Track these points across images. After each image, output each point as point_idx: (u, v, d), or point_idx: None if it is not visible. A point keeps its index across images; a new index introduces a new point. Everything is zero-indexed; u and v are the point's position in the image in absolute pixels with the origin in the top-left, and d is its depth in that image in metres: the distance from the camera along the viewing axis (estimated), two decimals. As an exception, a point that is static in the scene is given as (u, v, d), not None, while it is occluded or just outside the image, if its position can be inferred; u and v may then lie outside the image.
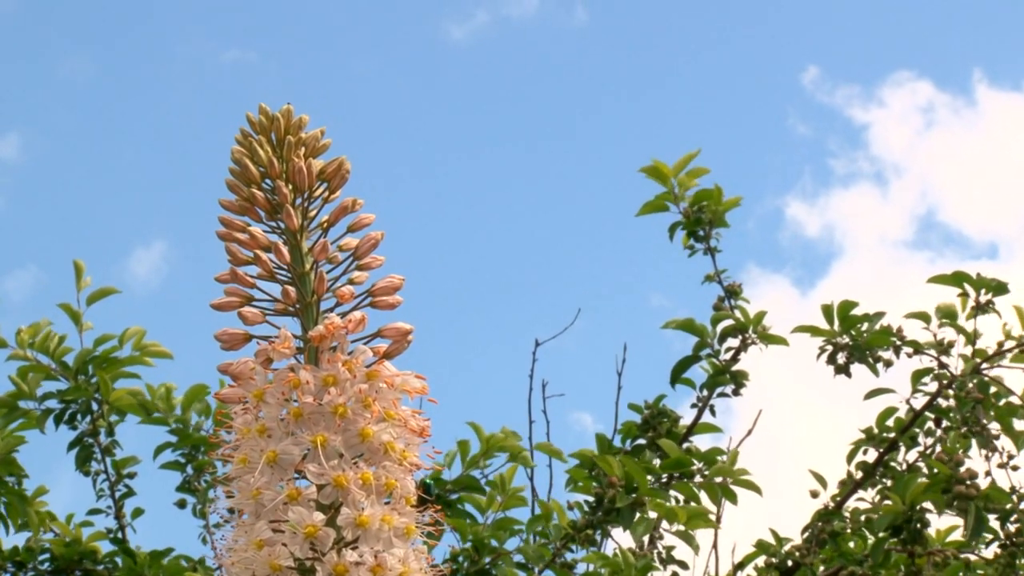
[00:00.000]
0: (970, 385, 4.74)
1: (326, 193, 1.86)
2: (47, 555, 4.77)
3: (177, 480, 4.94)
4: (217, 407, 1.95)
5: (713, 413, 4.95)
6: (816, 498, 4.86)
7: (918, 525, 4.56)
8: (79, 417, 4.78)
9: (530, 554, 4.47)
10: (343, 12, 10.14)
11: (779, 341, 4.95)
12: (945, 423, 4.84)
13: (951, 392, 4.79)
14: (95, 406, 4.77)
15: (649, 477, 4.39)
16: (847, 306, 4.89)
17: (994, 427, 4.77)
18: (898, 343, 4.88)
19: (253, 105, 1.85)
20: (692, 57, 10.09)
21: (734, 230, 5.09)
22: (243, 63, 9.80)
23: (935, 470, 4.64)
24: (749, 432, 4.94)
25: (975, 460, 4.70)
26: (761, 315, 4.94)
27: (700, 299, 5.12)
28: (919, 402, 4.85)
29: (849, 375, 4.93)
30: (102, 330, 4.78)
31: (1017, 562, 4.54)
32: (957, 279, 4.81)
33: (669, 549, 4.68)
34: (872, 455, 4.88)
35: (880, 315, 4.91)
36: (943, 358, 4.83)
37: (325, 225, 1.85)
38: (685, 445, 4.78)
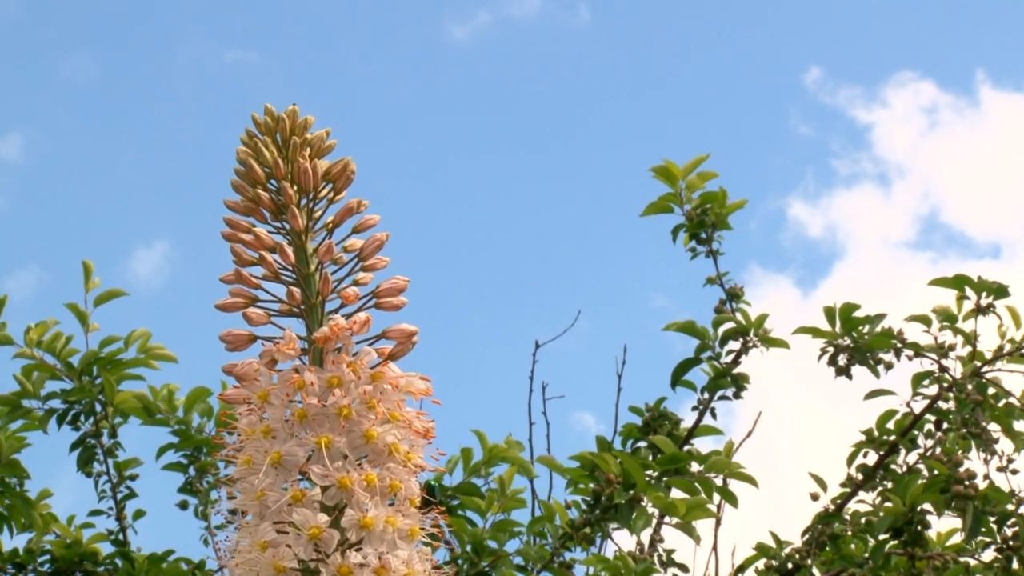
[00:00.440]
0: (970, 387, 4.74)
1: (331, 194, 1.86)
2: (47, 557, 4.76)
3: (179, 482, 4.94)
4: (221, 408, 1.95)
5: (714, 416, 4.96)
6: (816, 501, 4.87)
7: (919, 527, 4.56)
8: (82, 418, 4.78)
9: (531, 555, 4.47)
10: (345, 12, 10.14)
11: (780, 344, 4.95)
12: (945, 425, 4.84)
13: (951, 395, 4.79)
14: (98, 407, 4.77)
15: (648, 474, 4.38)
16: (849, 308, 4.89)
17: (994, 429, 4.77)
18: (899, 345, 4.88)
19: (255, 106, 1.85)
20: (694, 57, 10.10)
21: (736, 231, 5.10)
22: (245, 63, 9.80)
23: (935, 471, 4.64)
24: (749, 434, 4.94)
25: (974, 463, 4.71)
26: (762, 318, 4.94)
27: (702, 301, 5.12)
28: (919, 405, 4.85)
29: (850, 377, 4.93)
30: (105, 331, 4.78)
31: (1012, 567, 4.54)
32: (958, 282, 4.81)
33: (670, 552, 4.68)
34: (872, 458, 4.88)
35: (881, 317, 4.91)
36: (943, 361, 4.83)
37: (330, 226, 1.85)
38: (686, 447, 4.78)
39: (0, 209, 9.23)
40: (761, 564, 4.78)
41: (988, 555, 4.65)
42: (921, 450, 4.87)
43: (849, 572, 4.63)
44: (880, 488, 4.85)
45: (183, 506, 4.94)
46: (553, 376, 5.63)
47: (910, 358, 4.88)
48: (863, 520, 4.76)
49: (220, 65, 9.86)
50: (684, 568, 4.66)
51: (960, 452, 4.69)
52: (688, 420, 4.94)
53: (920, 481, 4.60)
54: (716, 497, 4.41)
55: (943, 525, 4.73)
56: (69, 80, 9.72)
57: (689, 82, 9.95)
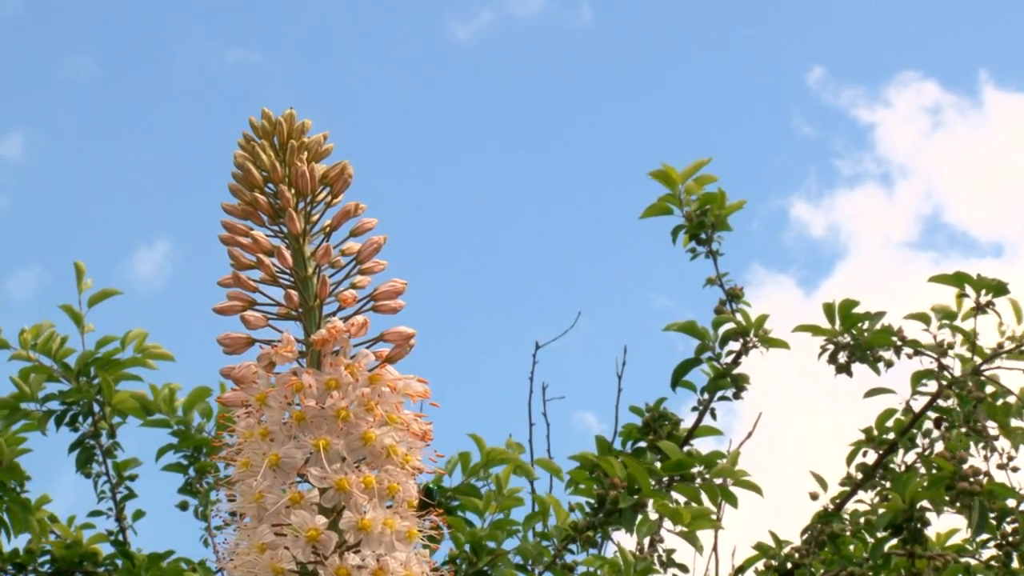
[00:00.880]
0: (970, 384, 4.74)
1: (329, 197, 1.86)
2: (47, 557, 4.77)
3: (179, 482, 4.94)
4: (220, 410, 1.95)
5: (714, 416, 4.96)
6: (816, 500, 4.87)
7: (918, 524, 4.56)
8: (80, 419, 4.78)
9: (529, 552, 4.47)
10: (347, 11, 10.15)
11: (780, 345, 4.95)
12: (945, 424, 4.84)
13: (952, 392, 4.79)
14: (96, 408, 4.78)
15: (651, 479, 4.39)
16: (848, 305, 4.89)
17: (991, 427, 4.77)
18: (899, 343, 4.88)
19: (257, 105, 1.86)
20: (697, 57, 10.09)
21: (738, 230, 5.10)
22: (247, 63, 9.80)
23: (934, 469, 4.64)
24: (749, 435, 4.94)
25: (975, 460, 4.71)
26: (762, 318, 4.94)
27: (704, 301, 5.13)
28: (919, 403, 4.86)
29: (850, 374, 4.93)
30: (106, 330, 4.79)
31: (1012, 564, 4.54)
32: (958, 279, 4.82)
33: (669, 552, 4.68)
34: (872, 457, 4.88)
35: (881, 314, 4.91)
36: (943, 359, 4.83)
37: (328, 229, 1.85)
38: (686, 448, 4.78)
39: (1, 209, 9.24)
40: (761, 564, 4.78)
41: (987, 553, 4.66)
42: (919, 449, 4.87)
43: (848, 570, 4.63)
44: (879, 488, 4.85)
45: (183, 507, 4.94)
46: (554, 376, 5.63)
47: (910, 356, 4.88)
48: (862, 520, 4.76)
49: (221, 64, 9.87)
50: (684, 568, 4.66)
51: (963, 451, 4.70)
52: (688, 420, 4.94)
53: (918, 479, 4.61)
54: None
55: (943, 525, 4.74)
56: (70, 80, 9.73)
57: (691, 82, 9.95)
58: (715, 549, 4.82)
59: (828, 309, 4.91)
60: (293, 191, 1.84)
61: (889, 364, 4.91)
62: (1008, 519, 4.57)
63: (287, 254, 1.83)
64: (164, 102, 9.43)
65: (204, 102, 9.46)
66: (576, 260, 8.47)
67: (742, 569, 4.80)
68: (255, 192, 1.84)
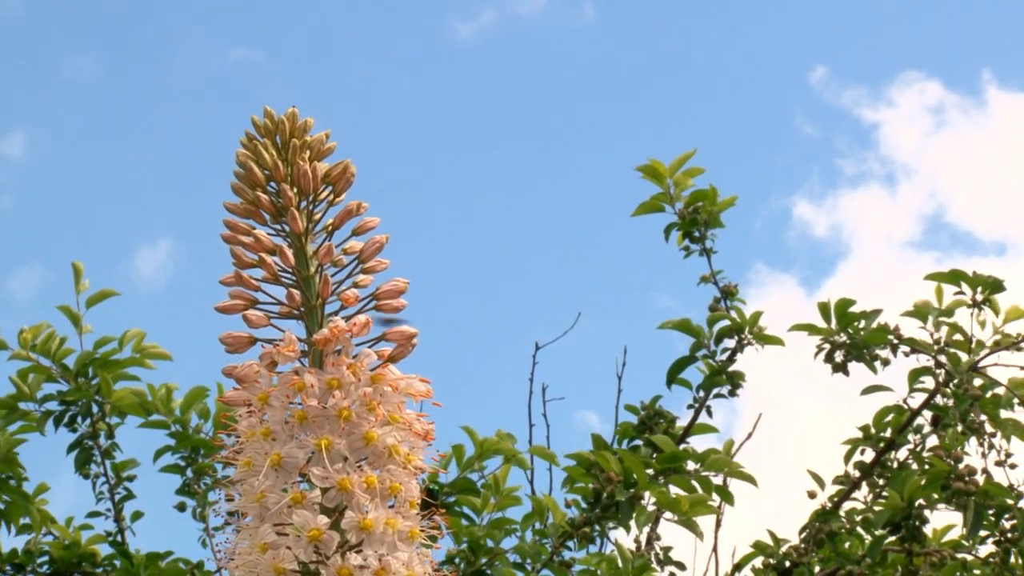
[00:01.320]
0: (966, 382, 4.74)
1: (331, 196, 1.86)
2: (46, 558, 4.77)
3: (177, 483, 4.94)
4: (220, 410, 1.95)
5: (710, 414, 4.97)
6: (813, 499, 4.87)
7: (917, 522, 4.56)
8: (79, 419, 4.78)
9: (527, 551, 4.47)
10: (350, 10, 10.15)
11: (775, 341, 4.96)
12: (943, 422, 4.85)
13: (948, 390, 4.79)
14: (95, 408, 4.77)
15: (647, 471, 4.39)
16: (844, 304, 4.90)
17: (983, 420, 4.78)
18: (895, 341, 4.89)
19: (258, 104, 1.85)
20: (699, 56, 10.10)
21: (740, 229, 5.11)
22: (249, 61, 9.80)
23: (926, 465, 4.64)
24: (749, 435, 4.94)
25: (973, 458, 4.72)
26: (757, 315, 4.95)
27: (704, 300, 5.14)
28: (916, 401, 4.86)
29: (847, 373, 4.94)
30: (107, 330, 4.79)
31: (1010, 560, 4.54)
32: (954, 276, 4.82)
33: (667, 550, 4.68)
34: (869, 455, 4.88)
35: (877, 313, 4.92)
36: (939, 357, 4.83)
37: (330, 228, 1.85)
38: (682, 446, 4.78)
39: (3, 207, 9.24)
40: (759, 562, 4.78)
41: (984, 550, 4.66)
42: (911, 445, 4.88)
43: (847, 569, 4.63)
44: (876, 486, 4.85)
45: (181, 508, 4.94)
46: (556, 376, 5.63)
47: (907, 354, 4.88)
48: (859, 518, 4.77)
49: (224, 63, 9.87)
50: (681, 566, 4.67)
51: (959, 448, 4.70)
52: (685, 418, 4.95)
53: (916, 477, 4.61)
54: (715, 497, 4.41)
55: (940, 521, 4.73)
56: (72, 78, 9.72)
57: (694, 81, 9.96)
58: (715, 549, 4.82)
59: (824, 308, 4.92)
60: (295, 190, 1.84)
61: (886, 362, 4.91)
62: (1006, 516, 4.57)
63: (289, 253, 1.82)
64: (166, 101, 9.43)
65: (206, 101, 9.46)
66: (576, 260, 8.47)
67: (739, 566, 4.80)
68: (257, 191, 1.83)
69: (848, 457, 4.90)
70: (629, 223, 5.19)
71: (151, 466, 4.91)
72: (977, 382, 4.77)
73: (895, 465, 4.88)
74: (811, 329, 4.93)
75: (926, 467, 4.63)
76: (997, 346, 4.80)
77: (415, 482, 1.76)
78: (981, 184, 10.75)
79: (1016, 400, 4.72)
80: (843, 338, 4.92)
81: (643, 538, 4.68)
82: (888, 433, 4.87)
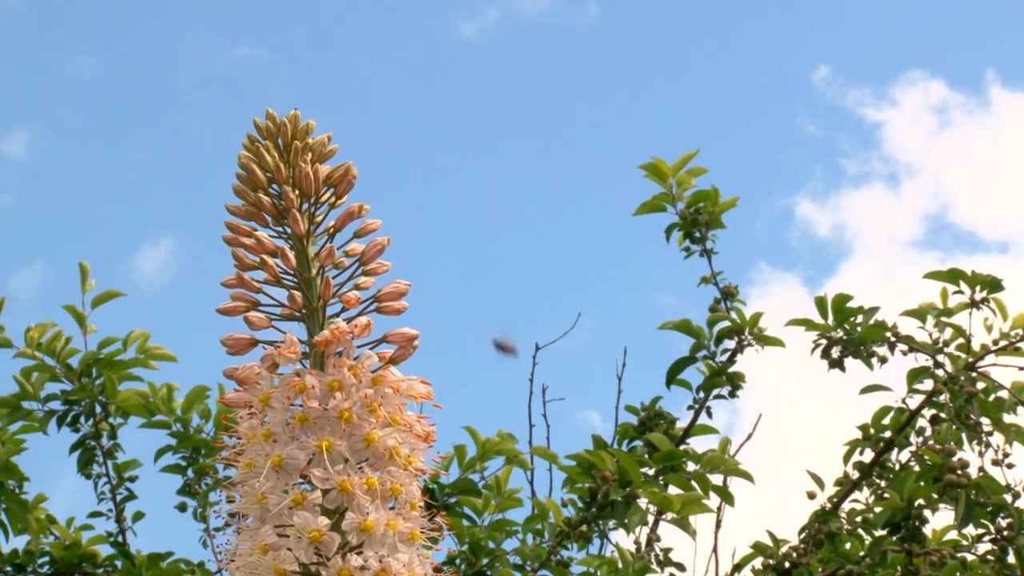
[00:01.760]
0: (962, 379, 4.74)
1: (333, 198, 1.86)
2: (47, 558, 4.77)
3: (178, 483, 4.94)
4: (222, 410, 1.96)
5: (709, 415, 4.96)
6: (813, 499, 4.87)
7: (916, 522, 4.56)
8: (82, 419, 4.78)
9: (527, 553, 4.48)
10: (353, 8, 10.15)
11: (775, 342, 4.95)
12: (941, 416, 4.85)
13: (946, 388, 4.79)
14: (98, 408, 4.77)
15: (644, 471, 4.39)
16: (841, 299, 4.89)
17: (985, 423, 4.77)
18: (892, 339, 4.88)
19: (261, 103, 1.86)
20: (702, 55, 10.10)
21: (743, 229, 5.11)
22: (252, 60, 9.80)
23: (926, 459, 4.64)
24: (749, 436, 4.95)
25: (970, 456, 4.71)
26: (757, 316, 4.95)
27: (706, 300, 5.14)
28: (914, 401, 4.86)
29: (843, 369, 4.93)
30: (109, 329, 4.79)
31: (1008, 558, 4.54)
32: (952, 275, 4.82)
33: (666, 551, 4.68)
34: (869, 455, 4.88)
35: (875, 309, 4.91)
36: (938, 356, 4.83)
37: (331, 230, 1.86)
38: (682, 447, 4.78)
39: (6, 206, 9.24)
40: (758, 563, 4.78)
41: (983, 548, 4.66)
42: (913, 447, 4.88)
43: (846, 568, 4.64)
44: (875, 486, 4.85)
45: (182, 508, 4.94)
46: (557, 376, 5.63)
47: (904, 353, 4.88)
48: (859, 518, 4.76)
49: (227, 61, 9.87)
50: (681, 567, 4.66)
51: (953, 444, 4.70)
52: (685, 419, 4.94)
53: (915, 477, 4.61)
54: (715, 498, 4.41)
55: (940, 521, 4.73)
56: (74, 77, 9.73)
57: (697, 80, 9.96)
58: (715, 550, 4.82)
59: (820, 303, 4.91)
60: (297, 192, 1.84)
61: (883, 360, 4.90)
62: (1002, 514, 4.58)
63: (291, 255, 1.83)
64: (168, 99, 9.43)
65: (209, 99, 9.47)
66: (576, 260, 8.48)
67: (739, 567, 4.80)
68: (259, 193, 1.84)
69: (847, 458, 4.90)
70: (630, 223, 5.19)
71: (152, 466, 4.92)
72: (980, 385, 4.76)
73: (896, 466, 4.87)
74: (808, 324, 4.92)
75: (927, 464, 4.63)
76: (996, 346, 4.80)
77: (416, 484, 1.76)
78: (984, 184, 10.76)
79: (1020, 404, 4.72)
80: (840, 334, 4.92)
81: (643, 539, 4.68)
82: (887, 433, 4.87)
